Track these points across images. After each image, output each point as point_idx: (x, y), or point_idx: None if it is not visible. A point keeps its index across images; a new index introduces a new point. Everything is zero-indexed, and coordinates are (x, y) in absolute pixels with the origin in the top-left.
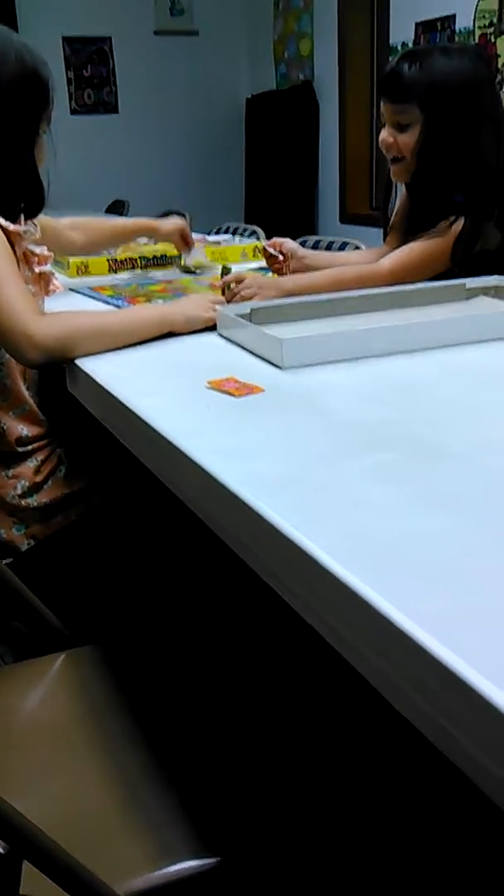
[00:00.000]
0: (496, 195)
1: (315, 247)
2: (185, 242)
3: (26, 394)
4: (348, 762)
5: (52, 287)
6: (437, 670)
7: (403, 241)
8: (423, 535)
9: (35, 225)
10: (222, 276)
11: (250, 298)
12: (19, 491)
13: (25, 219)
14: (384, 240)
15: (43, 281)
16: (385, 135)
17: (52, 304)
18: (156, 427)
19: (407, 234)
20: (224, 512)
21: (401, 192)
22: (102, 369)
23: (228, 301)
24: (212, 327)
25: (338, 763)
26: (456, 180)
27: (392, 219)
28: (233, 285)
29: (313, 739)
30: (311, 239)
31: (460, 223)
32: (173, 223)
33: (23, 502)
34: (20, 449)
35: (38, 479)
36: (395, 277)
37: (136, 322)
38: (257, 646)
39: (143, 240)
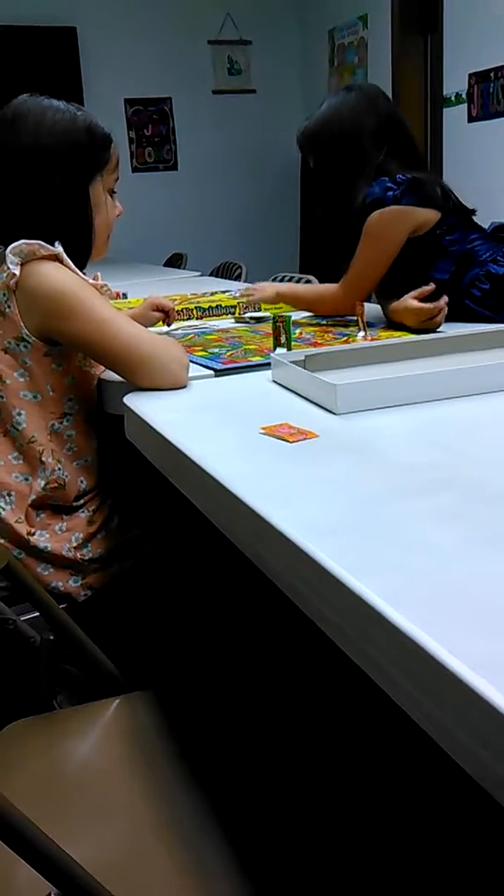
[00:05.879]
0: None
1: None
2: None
3: (91, 445)
4: (407, 816)
5: None
6: (489, 714)
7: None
8: (479, 576)
9: (107, 285)
10: (274, 325)
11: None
12: (74, 543)
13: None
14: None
15: None
16: None
17: None
18: (211, 472)
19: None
20: (277, 556)
21: None
22: (159, 416)
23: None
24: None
25: (395, 814)
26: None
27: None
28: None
29: (371, 784)
30: None
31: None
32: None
33: (78, 555)
34: (75, 503)
35: (92, 529)
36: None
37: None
38: (314, 690)
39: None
